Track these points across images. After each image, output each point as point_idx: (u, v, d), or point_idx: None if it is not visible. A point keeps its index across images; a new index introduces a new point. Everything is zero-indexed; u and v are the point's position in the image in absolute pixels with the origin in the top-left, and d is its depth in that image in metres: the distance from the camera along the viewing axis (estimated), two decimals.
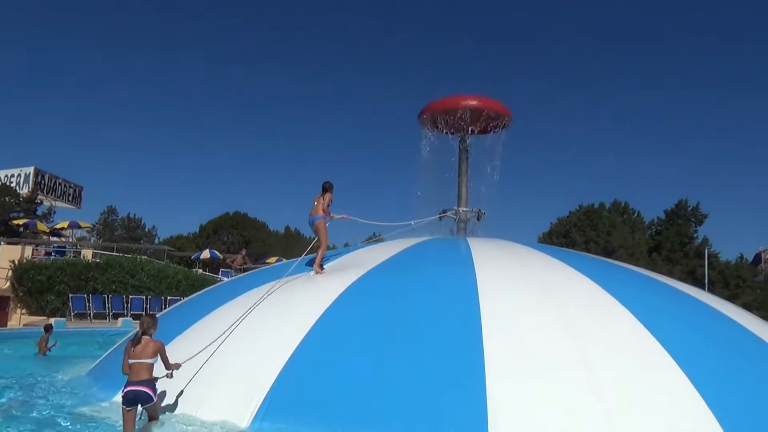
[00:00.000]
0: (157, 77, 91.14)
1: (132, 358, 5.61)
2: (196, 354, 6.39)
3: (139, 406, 5.59)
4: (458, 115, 10.69)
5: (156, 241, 53.97)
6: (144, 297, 22.73)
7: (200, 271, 31.42)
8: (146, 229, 55.59)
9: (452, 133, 11.21)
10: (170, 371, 5.95)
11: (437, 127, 11.18)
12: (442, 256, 8.53)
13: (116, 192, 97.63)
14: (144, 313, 20.42)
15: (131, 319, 20.12)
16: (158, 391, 5.74)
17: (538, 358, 5.66)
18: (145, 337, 5.71)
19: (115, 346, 9.24)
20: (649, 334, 6.01)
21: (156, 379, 5.71)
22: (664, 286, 8.16)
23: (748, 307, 31.91)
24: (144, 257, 27.99)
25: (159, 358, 5.74)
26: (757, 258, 60.20)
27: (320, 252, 8.41)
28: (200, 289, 12.36)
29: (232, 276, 13.37)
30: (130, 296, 22.62)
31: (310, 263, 8.63)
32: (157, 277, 23.90)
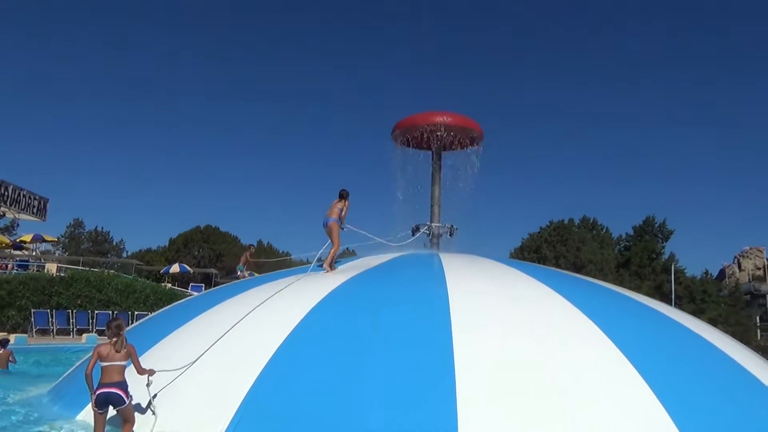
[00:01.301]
0: (124, 86, 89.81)
1: (104, 361, 5.60)
2: (181, 368, 6.27)
3: (111, 408, 5.55)
4: (431, 131, 10.78)
5: (124, 254, 52.89)
6: (111, 312, 22.18)
7: (169, 285, 30.83)
8: (114, 243, 54.47)
9: (425, 149, 11.31)
10: (148, 376, 5.90)
11: (410, 144, 11.26)
12: (415, 271, 8.54)
13: (83, 205, 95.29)
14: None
15: (96, 335, 19.59)
16: (132, 396, 5.68)
17: (509, 375, 5.69)
18: (115, 339, 5.70)
19: (78, 363, 8.97)
20: (618, 350, 6.09)
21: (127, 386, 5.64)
22: (632, 302, 8.31)
23: (713, 321, 32.62)
24: (111, 271, 27.37)
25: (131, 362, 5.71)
26: (722, 273, 61.77)
27: (332, 252, 8.77)
28: (169, 304, 12.12)
29: (241, 274, 13.22)
30: (96, 311, 22.06)
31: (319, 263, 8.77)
32: (125, 292, 23.37)
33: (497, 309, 6.74)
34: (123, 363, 5.65)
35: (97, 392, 5.51)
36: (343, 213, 9.00)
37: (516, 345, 6.10)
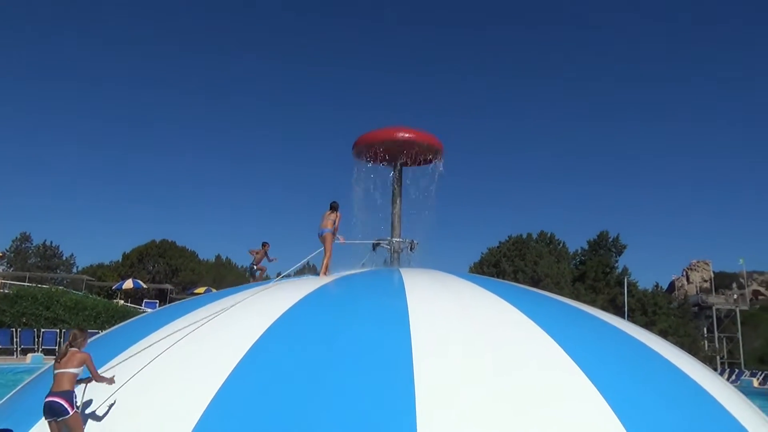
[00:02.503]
0: (76, 92, 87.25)
1: (56, 369, 5.53)
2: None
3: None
4: (392, 146, 10.83)
5: (74, 270, 50.94)
6: (58, 330, 21.27)
7: (122, 302, 29.86)
8: (63, 258, 52.41)
9: (386, 164, 11.34)
10: (109, 380, 5.79)
11: (371, 158, 11.27)
12: (375, 286, 8.51)
13: (30, 218, 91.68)
14: (57, 347, 19.10)
15: (42, 354, 18.75)
16: (80, 407, 5.55)
17: (469, 392, 5.69)
18: (72, 349, 5.62)
19: (22, 385, 8.53)
20: (574, 363, 6.18)
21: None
22: (587, 316, 8.48)
23: (664, 333, 33.66)
24: (60, 288, 26.34)
25: (86, 369, 5.61)
26: (672, 286, 63.92)
27: (325, 260, 9.37)
28: (121, 322, 11.69)
29: (253, 270, 12.71)
30: (43, 330, 21.12)
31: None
32: (74, 309, 22.50)
33: (457, 325, 6.76)
34: (74, 370, 5.52)
35: (45, 400, 5.38)
36: (336, 224, 9.61)
37: (476, 362, 6.11)
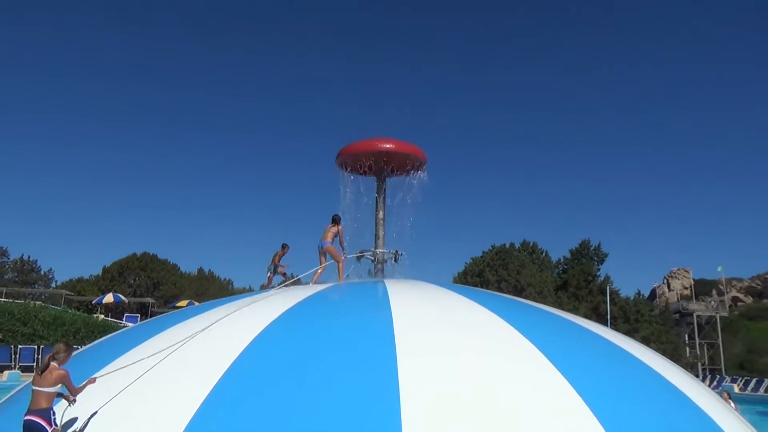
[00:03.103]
0: (53, 100, 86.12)
1: (34, 386, 5.44)
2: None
3: None
4: (375, 157, 10.85)
5: (53, 285, 49.93)
6: (36, 346, 20.82)
7: (102, 316, 29.36)
8: (42, 272, 51.40)
9: (369, 175, 11.34)
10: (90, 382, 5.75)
11: (354, 169, 11.28)
12: (360, 297, 8.47)
13: (7, 231, 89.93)
14: (36, 364, 18.72)
15: (20, 372, 18.31)
16: (59, 424, 5.43)
17: (454, 403, 5.67)
18: (53, 364, 5.51)
19: (5, 398, 8.31)
20: (558, 372, 6.21)
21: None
22: (571, 324, 8.53)
23: (646, 340, 33.96)
24: (38, 303, 25.83)
25: (64, 387, 5.50)
26: (653, 293, 64.63)
27: (340, 267, 9.90)
28: (101, 337, 11.48)
29: (272, 273, 12.08)
30: (20, 346, 20.65)
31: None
32: (53, 325, 22.04)
33: (442, 336, 6.75)
34: (50, 389, 5.41)
35: (23, 419, 5.29)
36: (340, 237, 10.03)
37: (461, 373, 6.10)
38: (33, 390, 5.43)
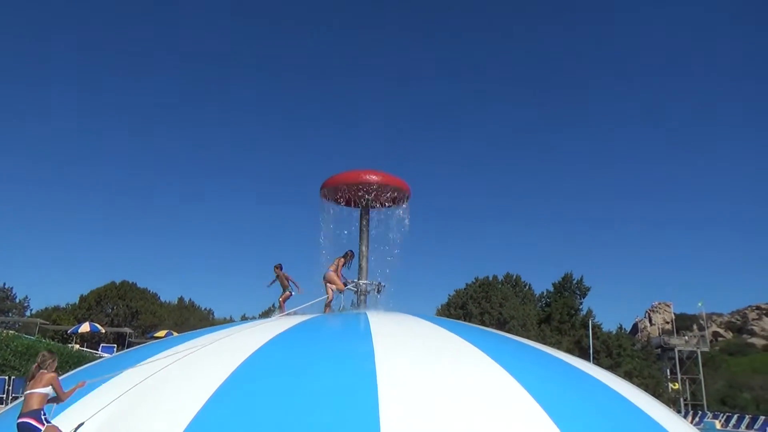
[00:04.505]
0: (30, 124, 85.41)
1: (26, 390, 5.78)
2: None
3: None
4: (359, 189, 10.87)
5: (27, 313, 48.70)
6: (7, 377, 20.15)
7: (77, 346, 28.63)
8: (16, 300, 50.16)
9: (353, 207, 11.36)
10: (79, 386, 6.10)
11: (338, 200, 11.29)
12: (342, 330, 8.37)
13: None
14: (5, 396, 18.13)
15: None
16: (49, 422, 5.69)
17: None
18: (42, 370, 5.82)
19: None
20: (540, 408, 6.16)
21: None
22: (554, 359, 8.50)
23: (628, 375, 33.92)
24: (11, 332, 25.10)
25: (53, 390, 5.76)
26: (635, 327, 64.88)
27: (327, 298, 10.22)
28: (75, 368, 11.15)
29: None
30: None
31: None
32: (25, 355, 21.34)
33: (424, 370, 6.69)
34: (40, 391, 5.71)
35: (16, 422, 5.58)
36: (338, 268, 10.36)
37: (442, 407, 6.03)
38: (26, 395, 5.73)
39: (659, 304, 72.05)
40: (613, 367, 32.86)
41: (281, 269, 11.25)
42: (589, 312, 42.97)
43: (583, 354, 30.31)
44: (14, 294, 50.10)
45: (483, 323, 33.22)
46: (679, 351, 50.16)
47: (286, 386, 6.33)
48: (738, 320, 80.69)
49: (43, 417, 5.63)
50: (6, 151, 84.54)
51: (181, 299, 56.06)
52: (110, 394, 6.47)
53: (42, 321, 39.58)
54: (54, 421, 5.87)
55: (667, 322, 64.35)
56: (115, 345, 34.49)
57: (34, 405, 5.63)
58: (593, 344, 36.51)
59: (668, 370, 49.66)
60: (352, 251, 10.67)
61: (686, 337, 53.23)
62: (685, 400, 46.51)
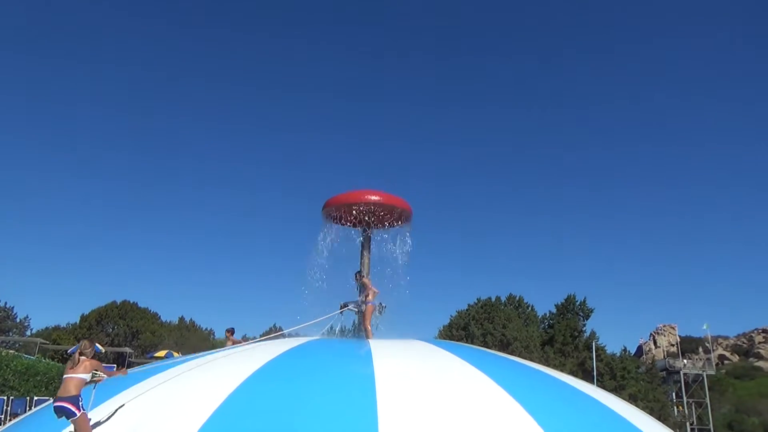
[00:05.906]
0: (26, 141, 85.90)
1: (66, 374, 6.08)
2: None
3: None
4: (361, 209, 10.88)
5: (28, 332, 48.48)
6: (6, 398, 19.98)
7: None
8: (17, 320, 49.95)
9: (355, 226, 11.35)
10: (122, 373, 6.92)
11: (340, 220, 11.29)
12: (341, 351, 8.31)
13: None
14: (4, 416, 17.99)
15: None
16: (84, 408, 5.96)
17: None
18: (83, 357, 6.15)
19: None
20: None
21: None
22: (557, 382, 8.41)
23: (633, 398, 33.47)
24: (11, 351, 24.97)
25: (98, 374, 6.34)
26: (640, 349, 64.26)
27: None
28: None
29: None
30: None
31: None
32: (25, 375, 21.20)
33: (425, 393, 6.62)
34: (79, 376, 6.03)
35: (53, 405, 5.94)
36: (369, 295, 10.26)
37: (443, 428, 5.96)
38: (65, 378, 6.04)
39: (664, 326, 71.42)
40: (617, 390, 32.45)
41: (233, 334, 11.96)
42: (593, 334, 42.56)
43: (587, 376, 29.97)
44: (15, 313, 49.90)
45: (486, 345, 32.97)
46: (685, 374, 49.56)
47: (286, 405, 6.28)
48: (744, 343, 79.84)
49: (80, 403, 5.94)
50: (7, 166, 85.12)
51: (181, 319, 55.76)
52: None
53: (42, 341, 39.37)
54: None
55: (672, 345, 63.68)
56: (115, 365, 34.22)
57: (72, 390, 5.94)
58: (597, 366, 36.11)
59: (674, 394, 49.03)
60: (359, 272, 10.71)
61: (692, 360, 52.64)
62: (691, 424, 45.80)
